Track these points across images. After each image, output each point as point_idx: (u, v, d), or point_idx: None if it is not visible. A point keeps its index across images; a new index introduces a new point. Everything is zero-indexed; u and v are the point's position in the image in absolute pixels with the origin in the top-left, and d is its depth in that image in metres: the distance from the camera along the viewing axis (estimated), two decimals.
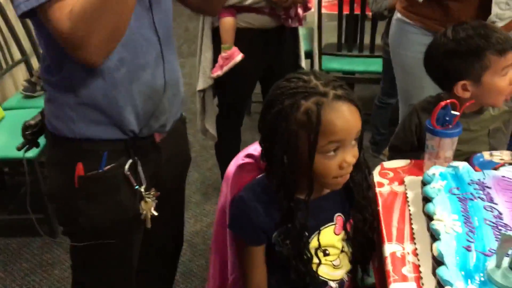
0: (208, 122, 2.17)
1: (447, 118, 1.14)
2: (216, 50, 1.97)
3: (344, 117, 0.92)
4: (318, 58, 2.55)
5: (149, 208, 1.13)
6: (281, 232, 1.01)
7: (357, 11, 2.51)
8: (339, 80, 0.95)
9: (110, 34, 0.91)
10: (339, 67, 2.72)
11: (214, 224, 1.17)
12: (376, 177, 1.22)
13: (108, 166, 1.06)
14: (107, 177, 1.07)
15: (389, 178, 1.21)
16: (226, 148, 2.22)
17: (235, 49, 1.93)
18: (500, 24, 1.52)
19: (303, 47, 2.13)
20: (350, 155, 0.95)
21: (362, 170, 1.06)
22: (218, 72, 1.97)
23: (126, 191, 1.09)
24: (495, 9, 1.48)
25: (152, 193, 1.13)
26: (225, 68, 1.95)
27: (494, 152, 1.26)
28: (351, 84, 3.09)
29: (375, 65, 2.67)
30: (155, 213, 1.13)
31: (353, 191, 1.05)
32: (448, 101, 1.14)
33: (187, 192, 2.46)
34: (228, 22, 1.89)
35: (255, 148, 1.11)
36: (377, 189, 1.17)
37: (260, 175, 1.07)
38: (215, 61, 1.99)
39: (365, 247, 1.10)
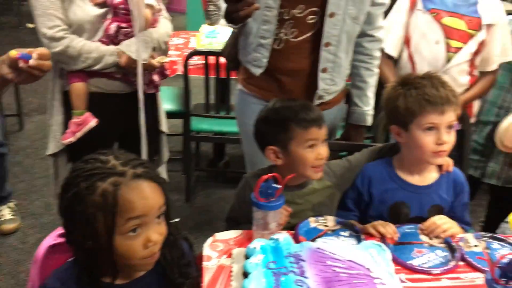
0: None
1: (270, 191, 1.19)
2: (68, 113, 1.90)
3: (143, 194, 0.92)
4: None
5: None
6: None
7: (222, 75, 2.59)
8: (140, 159, 0.96)
9: None
10: (208, 128, 2.77)
11: None
12: (206, 249, 1.21)
13: None
14: None
15: (218, 251, 1.21)
16: None
17: (88, 114, 1.86)
18: (327, 97, 1.65)
19: (163, 112, 2.13)
20: (155, 233, 0.94)
21: (177, 246, 1.04)
22: (70, 139, 1.87)
23: None
24: (321, 85, 1.61)
25: None
26: (78, 134, 1.87)
27: (320, 218, 1.32)
28: (221, 144, 3.16)
29: None
30: None
31: (168, 270, 1.02)
32: (270, 174, 1.19)
33: None
34: (78, 88, 1.83)
35: None
36: (204, 263, 1.16)
37: (71, 259, 1.00)
38: (66, 123, 1.90)
39: None
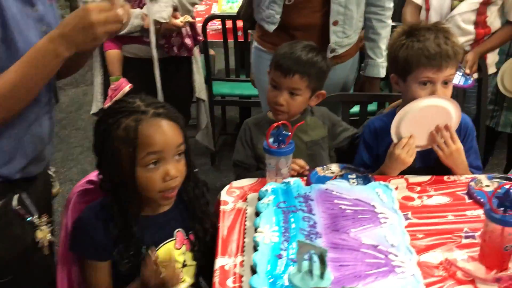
0: None
1: (280, 138, 1.25)
2: (107, 76, 2.01)
3: (162, 131, 1.01)
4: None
5: (45, 235, 1.13)
6: (120, 249, 1.06)
7: (241, 39, 2.63)
8: (163, 103, 1.06)
9: (11, 115, 0.95)
10: (230, 92, 2.83)
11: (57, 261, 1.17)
12: (223, 195, 1.29)
13: None
14: None
15: (234, 196, 1.29)
16: None
17: (122, 80, 1.98)
18: (340, 50, 1.68)
19: (200, 77, 2.19)
20: (174, 169, 1.03)
21: (199, 186, 1.14)
22: (108, 104, 2.01)
23: (17, 224, 1.09)
24: (333, 38, 1.64)
25: (43, 219, 1.13)
26: (115, 99, 1.99)
27: (324, 167, 1.38)
28: (247, 108, 3.21)
29: None
30: (53, 239, 1.16)
31: (190, 206, 1.13)
32: (279, 122, 1.25)
33: None
34: (112, 55, 1.94)
35: (96, 175, 1.15)
36: (222, 207, 1.24)
37: (101, 198, 1.11)
38: (105, 84, 2.03)
39: (208, 259, 1.17)
